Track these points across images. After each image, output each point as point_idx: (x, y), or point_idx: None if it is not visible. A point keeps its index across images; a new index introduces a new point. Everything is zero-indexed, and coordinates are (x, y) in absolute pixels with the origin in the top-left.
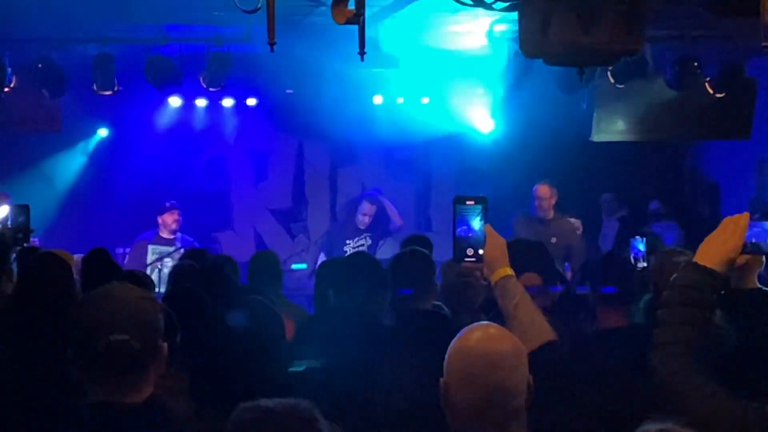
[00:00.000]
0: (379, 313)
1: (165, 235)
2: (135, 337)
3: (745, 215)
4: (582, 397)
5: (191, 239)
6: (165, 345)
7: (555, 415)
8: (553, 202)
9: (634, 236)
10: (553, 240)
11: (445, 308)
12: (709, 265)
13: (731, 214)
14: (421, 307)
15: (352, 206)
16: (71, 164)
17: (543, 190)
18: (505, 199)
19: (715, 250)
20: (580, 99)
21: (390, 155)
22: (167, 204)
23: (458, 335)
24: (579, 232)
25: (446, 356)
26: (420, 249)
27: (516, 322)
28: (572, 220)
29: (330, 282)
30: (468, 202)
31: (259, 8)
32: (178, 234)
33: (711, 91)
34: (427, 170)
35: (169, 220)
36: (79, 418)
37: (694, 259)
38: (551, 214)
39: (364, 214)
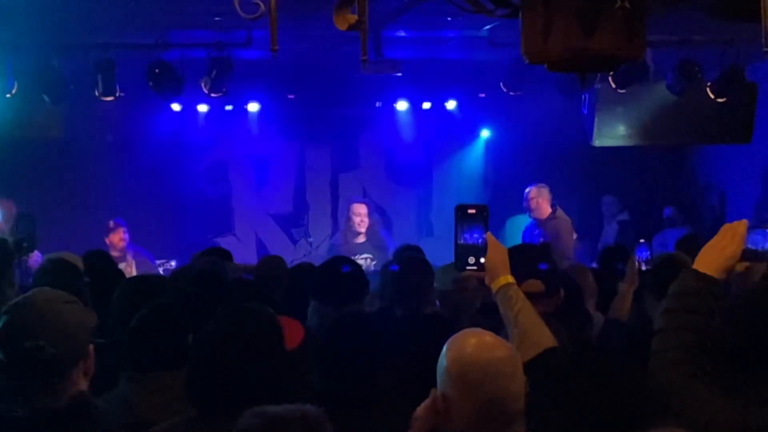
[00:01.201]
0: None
1: (115, 254)
2: (50, 342)
3: (744, 222)
4: (582, 403)
5: (142, 249)
6: (91, 347)
7: (556, 422)
8: (542, 200)
9: (638, 241)
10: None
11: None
12: (708, 272)
13: (735, 219)
14: (422, 311)
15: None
16: (73, 170)
17: (529, 191)
18: (506, 204)
19: (715, 256)
20: (581, 104)
21: (391, 160)
22: (111, 224)
23: (451, 346)
24: (574, 235)
25: (441, 367)
26: (419, 255)
27: (517, 330)
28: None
29: (310, 291)
30: (470, 211)
31: (261, 15)
32: (130, 251)
33: (712, 96)
34: (429, 175)
35: (115, 240)
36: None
37: (694, 266)
38: (544, 214)
39: (357, 213)
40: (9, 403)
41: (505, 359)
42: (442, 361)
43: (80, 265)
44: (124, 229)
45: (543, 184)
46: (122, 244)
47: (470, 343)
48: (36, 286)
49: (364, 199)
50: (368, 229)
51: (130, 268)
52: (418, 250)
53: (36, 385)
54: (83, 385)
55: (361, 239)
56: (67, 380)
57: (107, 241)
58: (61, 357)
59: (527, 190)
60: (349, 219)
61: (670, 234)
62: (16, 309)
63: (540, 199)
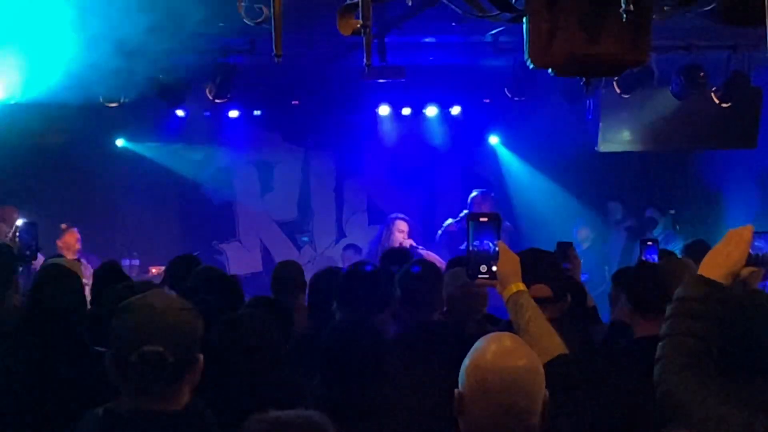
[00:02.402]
0: (382, 326)
1: (70, 255)
2: (169, 349)
3: (749, 227)
4: (592, 410)
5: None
6: (201, 356)
7: (566, 429)
8: (486, 208)
9: (645, 243)
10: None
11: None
12: (713, 277)
13: (736, 224)
14: (431, 318)
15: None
16: (77, 176)
17: (475, 196)
18: (510, 209)
19: (719, 262)
20: (585, 109)
21: (396, 166)
22: (63, 225)
23: (475, 346)
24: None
25: (463, 367)
26: (428, 261)
27: (528, 337)
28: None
29: (333, 294)
30: (482, 219)
31: (265, 20)
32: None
33: (716, 101)
34: (433, 181)
35: (71, 241)
36: (111, 424)
37: (699, 272)
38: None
39: (400, 230)
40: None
41: (523, 370)
42: (465, 361)
43: (80, 271)
44: (77, 229)
45: (488, 191)
46: (78, 245)
47: (491, 346)
48: (35, 291)
49: (406, 216)
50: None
51: (87, 271)
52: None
53: (150, 391)
54: (188, 396)
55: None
56: (179, 389)
57: (60, 243)
58: (178, 366)
59: (473, 194)
60: (392, 234)
61: (668, 235)
62: (135, 310)
63: (484, 205)
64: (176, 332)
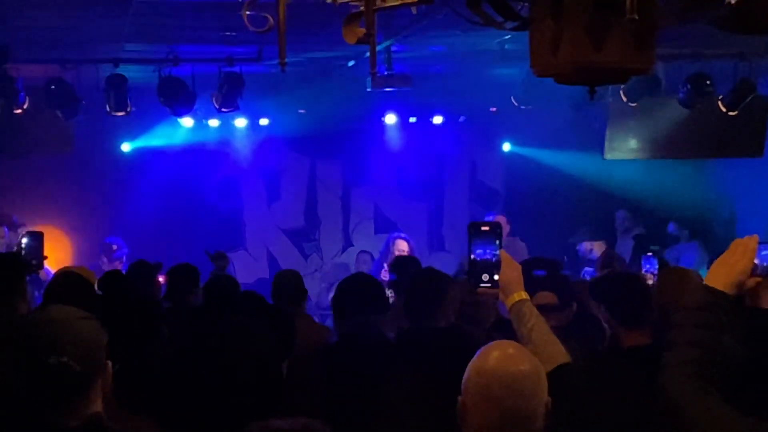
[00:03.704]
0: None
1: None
2: (75, 359)
3: (755, 237)
4: (595, 419)
5: None
6: (109, 363)
7: None
8: (508, 230)
9: (646, 254)
10: None
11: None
12: (719, 287)
13: (746, 233)
14: (436, 324)
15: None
16: (84, 185)
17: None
18: (517, 217)
19: (725, 272)
20: (592, 117)
21: (403, 174)
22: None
23: (477, 354)
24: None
25: (465, 375)
26: (436, 269)
27: (531, 346)
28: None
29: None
30: (483, 228)
31: (270, 29)
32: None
33: (723, 109)
34: (440, 189)
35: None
36: None
37: (705, 281)
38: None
39: (399, 250)
40: (23, 419)
41: (525, 375)
42: (468, 367)
43: (93, 279)
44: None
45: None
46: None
47: (493, 355)
48: (47, 299)
49: (406, 236)
50: None
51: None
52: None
53: (58, 402)
54: (99, 404)
55: None
56: (86, 398)
57: (106, 259)
58: (85, 374)
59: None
60: (391, 254)
61: (680, 248)
62: (35, 324)
63: (507, 228)
64: (80, 342)
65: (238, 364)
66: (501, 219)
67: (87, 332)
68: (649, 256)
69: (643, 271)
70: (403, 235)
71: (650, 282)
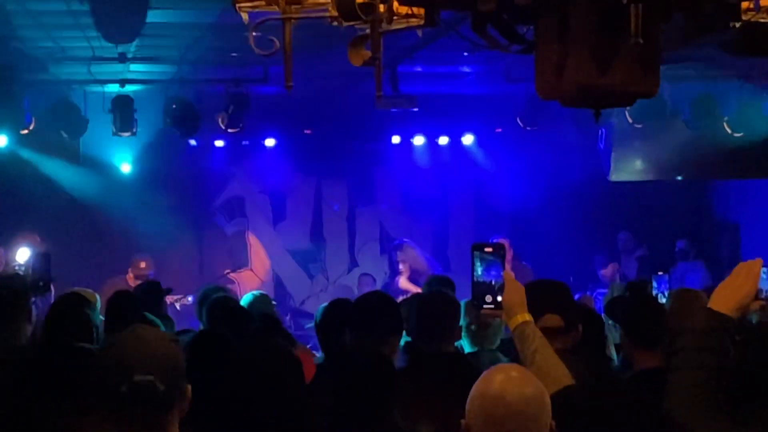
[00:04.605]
0: (391, 355)
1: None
2: (159, 378)
3: (759, 261)
4: None
5: None
6: (189, 387)
7: None
8: (511, 254)
9: (657, 273)
10: None
11: (466, 346)
12: (723, 311)
13: (750, 254)
14: (444, 349)
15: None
16: (90, 205)
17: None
18: (522, 238)
19: (730, 295)
20: (597, 138)
21: (408, 195)
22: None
23: (481, 377)
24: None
25: (468, 398)
26: (445, 290)
27: (534, 368)
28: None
29: (345, 322)
30: (486, 249)
31: (276, 51)
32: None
33: (729, 131)
34: (445, 210)
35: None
36: None
37: (709, 305)
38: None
39: (413, 257)
40: None
41: (528, 397)
42: (471, 391)
43: (94, 300)
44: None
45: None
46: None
47: (497, 376)
48: (50, 321)
49: (409, 240)
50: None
51: None
52: (447, 281)
53: (143, 420)
54: (176, 428)
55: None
56: (167, 419)
57: (132, 275)
58: (168, 395)
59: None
60: (404, 262)
61: (684, 267)
62: (121, 343)
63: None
64: (163, 362)
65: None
66: (504, 242)
67: (171, 353)
68: (661, 276)
69: (654, 292)
70: (406, 240)
71: (663, 302)
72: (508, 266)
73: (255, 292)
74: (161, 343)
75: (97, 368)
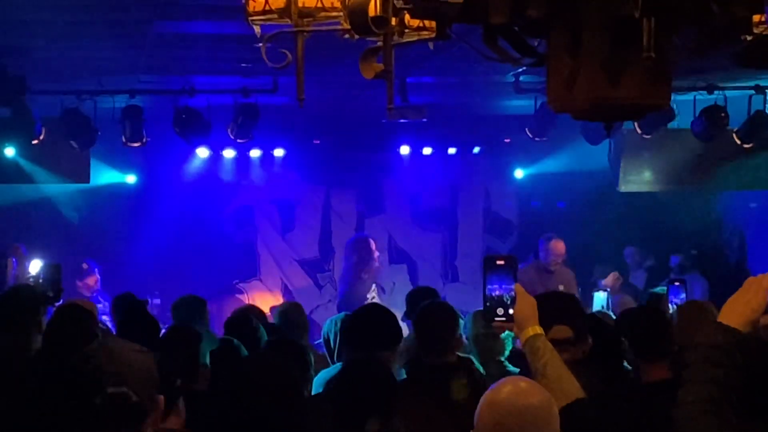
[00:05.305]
0: (391, 367)
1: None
2: (132, 390)
3: None
4: None
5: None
6: (161, 398)
7: None
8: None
9: (673, 282)
10: (561, 287)
11: (474, 359)
12: (732, 325)
13: (758, 265)
14: (445, 359)
15: (359, 258)
16: (99, 216)
17: (561, 246)
18: (532, 250)
19: (739, 310)
20: (606, 149)
21: (417, 206)
22: (84, 265)
23: (490, 388)
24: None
25: (477, 407)
26: (444, 301)
27: (545, 381)
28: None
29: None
30: (498, 262)
31: (288, 64)
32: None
33: (738, 142)
34: (454, 221)
35: (91, 282)
36: None
37: (719, 319)
38: (558, 266)
39: (372, 250)
40: None
41: (537, 408)
42: (480, 401)
43: (95, 311)
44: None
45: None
46: (96, 287)
47: (505, 387)
48: (50, 331)
49: (368, 234)
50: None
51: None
52: (433, 292)
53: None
54: None
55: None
56: (145, 430)
57: (80, 283)
58: (141, 406)
59: (555, 243)
60: (368, 257)
61: (687, 278)
62: (92, 355)
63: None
64: (136, 374)
65: (267, 398)
66: (559, 243)
67: (143, 364)
68: (677, 286)
69: (670, 302)
70: (365, 233)
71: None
72: (558, 268)
73: (289, 301)
74: (134, 355)
75: (70, 381)
